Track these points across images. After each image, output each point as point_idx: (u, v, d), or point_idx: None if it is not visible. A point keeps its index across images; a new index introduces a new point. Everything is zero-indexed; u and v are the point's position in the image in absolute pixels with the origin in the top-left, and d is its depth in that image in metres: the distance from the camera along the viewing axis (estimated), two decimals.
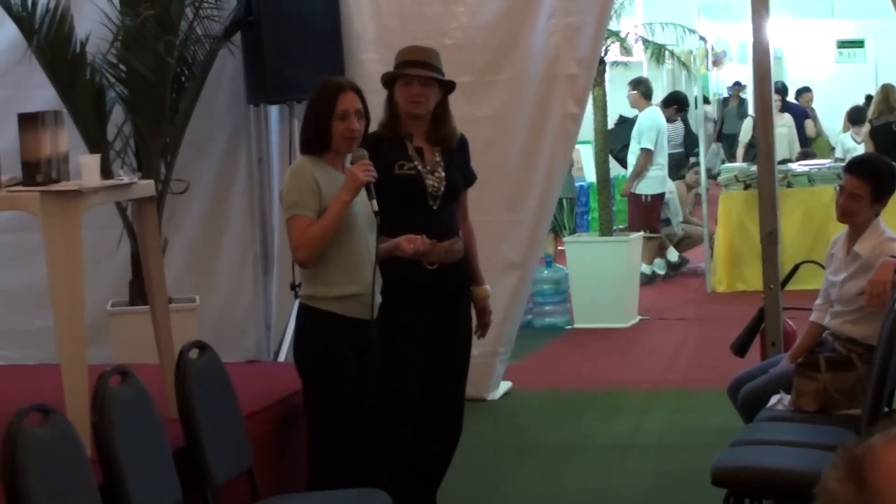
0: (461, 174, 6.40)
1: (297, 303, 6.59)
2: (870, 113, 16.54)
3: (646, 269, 14.00)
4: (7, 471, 4.26)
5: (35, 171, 5.46)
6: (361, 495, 5.54)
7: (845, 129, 18.20)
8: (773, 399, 6.47)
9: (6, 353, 9.13)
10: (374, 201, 5.75)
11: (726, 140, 21.01)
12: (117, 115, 8.87)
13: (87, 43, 8.64)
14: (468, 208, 6.53)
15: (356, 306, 5.78)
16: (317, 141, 5.77)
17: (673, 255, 14.57)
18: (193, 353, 5.60)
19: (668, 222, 14.81)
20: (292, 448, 6.28)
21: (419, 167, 6.23)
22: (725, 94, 22.75)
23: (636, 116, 14.95)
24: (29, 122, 5.49)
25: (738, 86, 20.99)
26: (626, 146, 14.85)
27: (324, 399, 5.80)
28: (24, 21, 8.49)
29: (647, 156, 14.20)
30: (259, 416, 6.18)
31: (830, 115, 19.73)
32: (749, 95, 19.22)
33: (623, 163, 15.27)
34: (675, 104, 15.89)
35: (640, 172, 14.16)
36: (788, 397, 6.38)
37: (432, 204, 6.20)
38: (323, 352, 5.78)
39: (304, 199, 5.67)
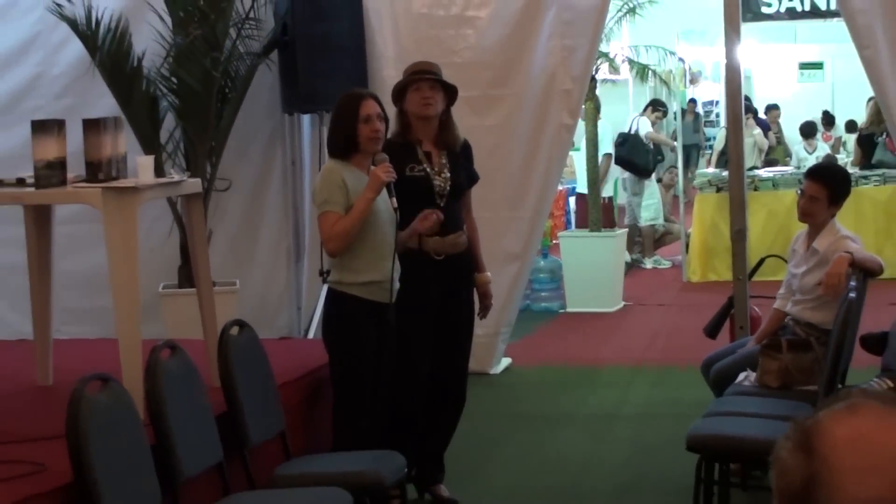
0: (465, 175, 6.40)
1: (325, 287, 6.59)
2: (861, 123, 16.52)
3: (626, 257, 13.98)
4: (71, 432, 4.27)
5: (97, 170, 5.47)
6: (379, 456, 5.54)
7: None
8: (741, 376, 6.46)
9: (72, 329, 9.11)
10: (394, 199, 5.78)
11: (682, 151, 20.85)
12: (169, 121, 8.89)
13: (144, 58, 8.67)
14: (472, 206, 6.53)
15: (377, 291, 5.80)
16: (345, 144, 5.78)
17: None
18: (234, 331, 5.61)
19: None
20: (319, 414, 6.28)
21: (427, 169, 6.23)
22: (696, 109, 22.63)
23: (635, 133, 14.95)
24: (92, 126, 5.49)
25: (692, 102, 20.86)
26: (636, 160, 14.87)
27: (348, 372, 5.82)
28: (88, 38, 8.52)
29: (609, 160, 14.21)
30: (291, 386, 6.18)
31: (793, 128, 19.72)
32: (721, 110, 19.17)
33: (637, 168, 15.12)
34: (662, 107, 15.90)
35: (604, 176, 14.13)
36: (754, 374, 6.38)
37: (439, 201, 6.20)
38: (348, 330, 5.79)
39: (333, 197, 5.68)
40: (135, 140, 8.50)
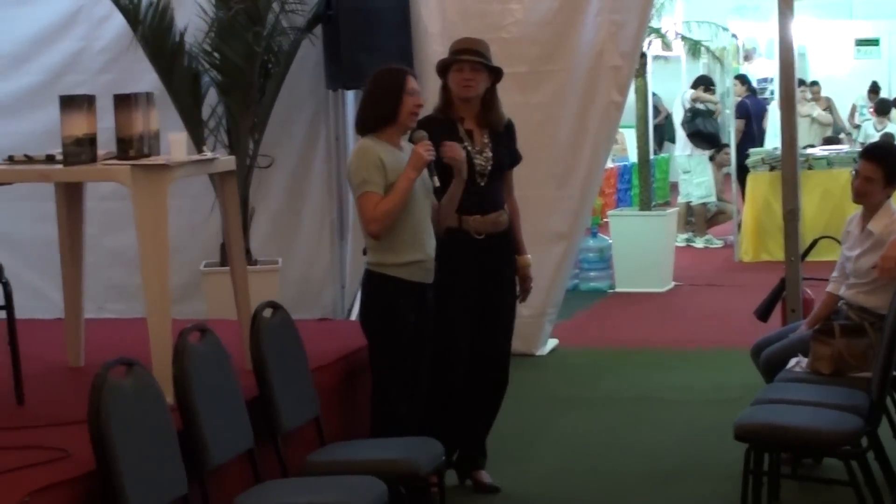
0: (507, 155, 6.21)
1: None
2: None
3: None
4: (93, 418, 4.12)
5: (128, 147, 5.32)
6: (416, 444, 5.36)
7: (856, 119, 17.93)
8: (792, 361, 6.27)
9: (116, 306, 9.06)
10: (436, 178, 5.62)
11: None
12: (211, 97, 8.78)
13: (186, 33, 8.58)
14: (514, 186, 6.34)
15: (418, 271, 5.64)
16: (387, 115, 5.57)
17: None
18: (267, 313, 5.43)
19: None
20: (356, 399, 6.12)
21: (469, 148, 6.03)
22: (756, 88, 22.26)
23: (702, 108, 14.80)
24: (123, 102, 5.34)
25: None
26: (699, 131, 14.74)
27: (387, 356, 5.64)
28: (130, 13, 8.47)
29: None
30: (326, 370, 6.01)
31: (849, 106, 19.40)
32: (776, 87, 18.85)
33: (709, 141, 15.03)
34: (704, 84, 15.70)
35: None
36: (806, 360, 6.18)
37: (480, 181, 6.00)
38: (388, 314, 5.61)
39: (372, 177, 5.50)
40: (177, 116, 8.43)
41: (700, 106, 15.02)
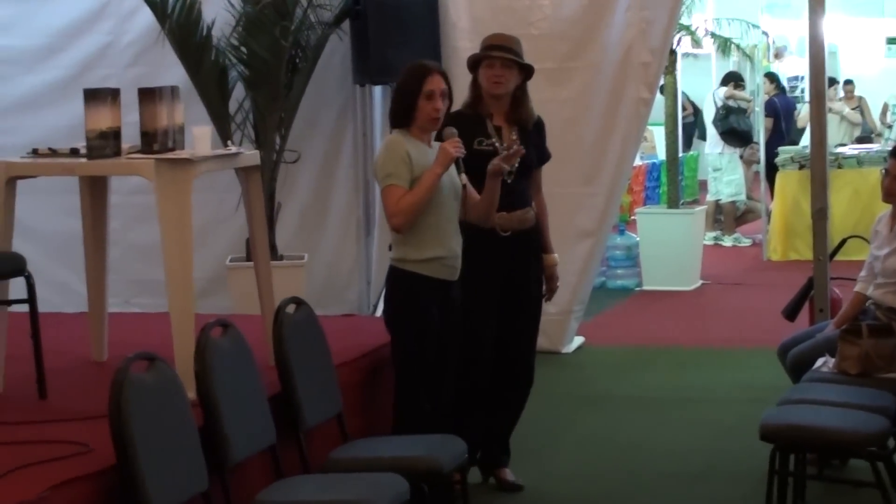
0: (536, 153, 6.15)
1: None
2: None
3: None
4: (113, 413, 4.09)
5: (152, 141, 5.28)
6: (439, 441, 5.31)
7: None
8: (819, 362, 6.21)
9: (142, 301, 9.06)
10: (463, 175, 5.56)
11: None
12: (238, 92, 8.77)
13: (213, 27, 8.57)
14: (544, 181, 6.29)
15: (441, 268, 5.58)
16: (404, 115, 5.55)
17: None
18: (290, 308, 5.39)
19: None
20: (380, 395, 6.06)
21: (496, 144, 5.97)
22: (787, 86, 22.11)
23: (735, 105, 14.77)
24: (148, 96, 5.29)
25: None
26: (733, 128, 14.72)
27: (409, 352, 5.60)
28: (158, 8, 8.47)
29: None
30: (350, 366, 5.96)
31: (880, 105, 19.24)
32: (806, 85, 18.71)
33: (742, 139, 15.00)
34: (734, 80, 15.61)
35: None
36: (833, 361, 6.12)
37: (507, 178, 5.91)
38: (410, 309, 5.57)
39: (398, 171, 5.45)
40: (204, 110, 8.40)
41: (732, 103, 14.94)
